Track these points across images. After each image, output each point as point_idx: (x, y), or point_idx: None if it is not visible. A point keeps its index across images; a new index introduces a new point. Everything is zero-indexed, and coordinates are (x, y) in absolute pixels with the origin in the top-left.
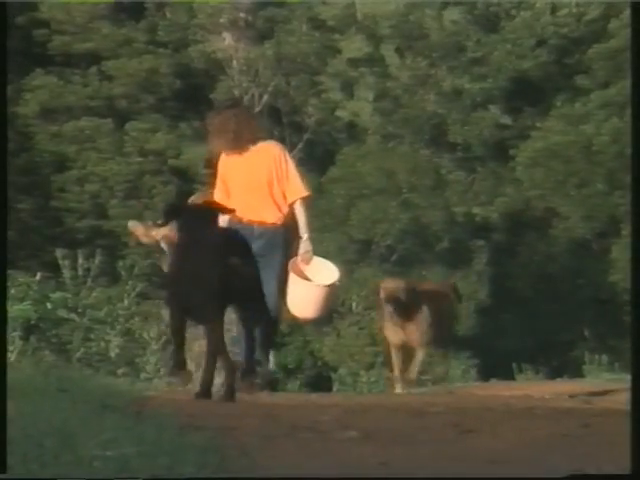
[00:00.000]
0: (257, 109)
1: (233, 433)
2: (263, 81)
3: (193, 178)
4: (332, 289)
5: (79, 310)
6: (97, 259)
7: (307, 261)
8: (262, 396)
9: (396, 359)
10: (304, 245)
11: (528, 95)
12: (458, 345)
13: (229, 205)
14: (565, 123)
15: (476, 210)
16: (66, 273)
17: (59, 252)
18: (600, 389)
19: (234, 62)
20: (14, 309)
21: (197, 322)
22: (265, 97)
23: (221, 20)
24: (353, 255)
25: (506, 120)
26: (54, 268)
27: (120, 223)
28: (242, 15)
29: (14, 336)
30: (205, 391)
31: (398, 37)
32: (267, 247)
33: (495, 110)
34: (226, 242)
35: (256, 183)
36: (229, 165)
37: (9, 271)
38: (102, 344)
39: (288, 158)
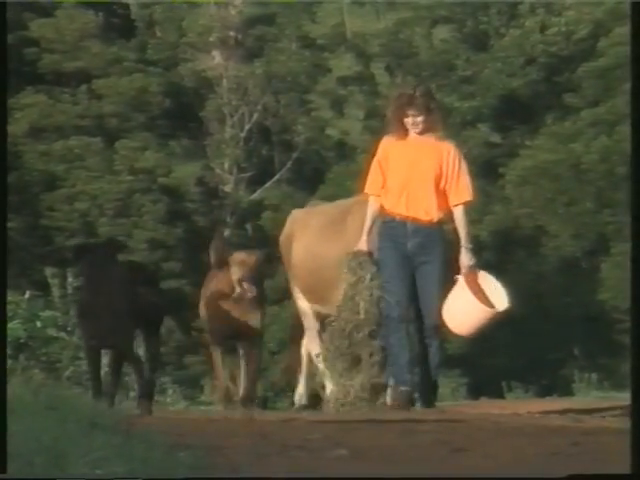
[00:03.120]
0: (247, 127)
1: (223, 452)
2: (253, 99)
3: (183, 196)
4: (500, 313)
5: (68, 329)
6: None
7: (475, 275)
8: (254, 414)
9: None
10: (467, 256)
11: (517, 113)
12: (448, 363)
13: (382, 193)
14: (554, 141)
15: None
16: (55, 292)
17: (48, 271)
18: (590, 407)
19: (224, 80)
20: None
21: (110, 348)
22: (255, 115)
23: (211, 39)
24: None
25: (495, 138)
26: (43, 287)
27: (110, 241)
28: (232, 34)
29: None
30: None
31: (388, 55)
32: (423, 247)
33: (484, 128)
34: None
35: (420, 176)
36: (392, 149)
37: None
38: None
39: (462, 157)
